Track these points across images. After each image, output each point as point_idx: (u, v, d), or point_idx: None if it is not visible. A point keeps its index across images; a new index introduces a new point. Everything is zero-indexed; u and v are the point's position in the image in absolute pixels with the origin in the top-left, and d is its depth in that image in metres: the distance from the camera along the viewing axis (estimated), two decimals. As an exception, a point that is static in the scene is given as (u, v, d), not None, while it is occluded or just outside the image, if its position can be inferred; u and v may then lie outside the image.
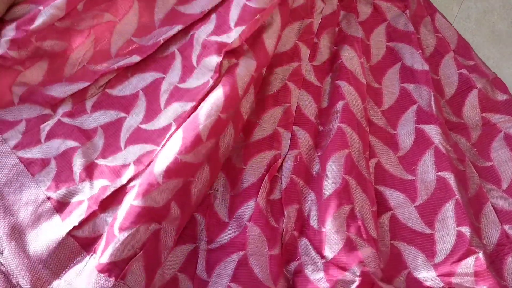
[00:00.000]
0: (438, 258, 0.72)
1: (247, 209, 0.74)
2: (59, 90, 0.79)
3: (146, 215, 0.67)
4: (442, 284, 0.70)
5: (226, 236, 0.74)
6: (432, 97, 0.79)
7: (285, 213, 0.75)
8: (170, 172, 0.69)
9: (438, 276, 0.71)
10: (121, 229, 0.66)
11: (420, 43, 0.85)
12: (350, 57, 0.84)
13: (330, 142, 0.77)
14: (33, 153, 0.76)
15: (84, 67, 0.82)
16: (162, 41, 0.82)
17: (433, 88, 0.80)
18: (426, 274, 0.71)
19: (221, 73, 0.78)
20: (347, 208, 0.72)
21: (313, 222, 0.74)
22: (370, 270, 0.68)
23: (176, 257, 0.72)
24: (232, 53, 0.79)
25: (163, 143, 0.76)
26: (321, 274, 0.69)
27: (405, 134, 0.82)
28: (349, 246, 0.70)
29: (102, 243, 0.67)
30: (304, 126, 0.82)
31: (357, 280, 0.67)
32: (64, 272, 0.68)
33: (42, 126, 0.78)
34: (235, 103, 0.76)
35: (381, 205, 0.77)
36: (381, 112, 0.84)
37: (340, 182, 0.73)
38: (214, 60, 0.78)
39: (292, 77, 0.85)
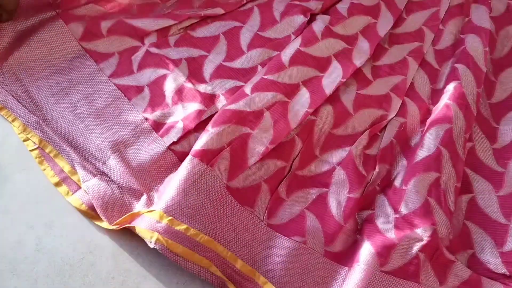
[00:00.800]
0: (507, 247, 0.73)
1: (339, 153, 0.80)
2: (146, 23, 0.88)
3: (235, 117, 0.76)
4: (504, 270, 0.71)
5: (313, 169, 0.79)
6: None
7: (376, 168, 0.79)
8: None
9: (502, 262, 0.73)
10: (214, 125, 0.75)
11: None
12: (474, 44, 0.87)
13: (435, 116, 0.81)
14: (127, 80, 0.83)
15: (170, 13, 0.92)
16: (245, 1, 0.94)
17: None
18: (490, 258, 0.73)
19: (302, 31, 0.92)
20: (433, 175, 0.75)
21: (397, 182, 0.78)
22: (439, 235, 0.71)
23: (266, 168, 0.77)
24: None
25: (252, 79, 0.84)
26: (390, 226, 0.72)
27: (507, 130, 0.84)
28: (426, 208, 0.72)
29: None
30: (416, 100, 0.85)
31: (425, 240, 0.69)
32: (164, 178, 0.75)
33: (133, 57, 0.85)
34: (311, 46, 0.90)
35: (464, 187, 0.80)
36: (489, 104, 0.86)
37: (434, 151, 0.77)
38: (299, 19, 0.94)
39: (413, 53, 0.90)
